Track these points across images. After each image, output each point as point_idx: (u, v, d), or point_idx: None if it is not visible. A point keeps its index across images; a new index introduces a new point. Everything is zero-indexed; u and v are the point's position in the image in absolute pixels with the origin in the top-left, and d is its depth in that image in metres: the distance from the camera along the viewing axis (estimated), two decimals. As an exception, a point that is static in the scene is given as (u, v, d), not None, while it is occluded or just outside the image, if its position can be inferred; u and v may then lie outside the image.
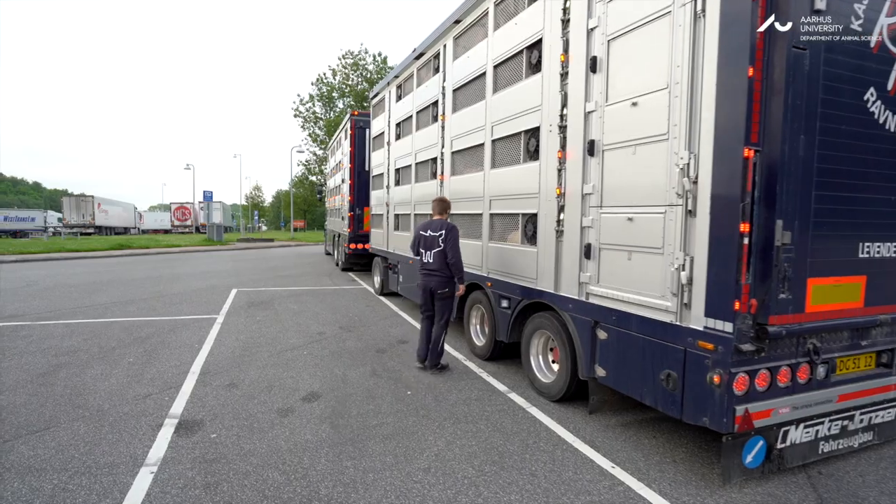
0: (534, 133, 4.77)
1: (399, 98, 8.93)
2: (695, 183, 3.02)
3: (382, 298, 10.06)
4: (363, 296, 10.45)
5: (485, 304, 5.78)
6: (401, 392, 4.77)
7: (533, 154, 4.80)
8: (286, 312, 8.50)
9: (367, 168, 12.71)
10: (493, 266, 5.55)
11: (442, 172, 6.92)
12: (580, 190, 4.07)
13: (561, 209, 4.33)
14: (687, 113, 3.06)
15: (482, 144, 5.76)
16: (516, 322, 5.14)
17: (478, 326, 6.22)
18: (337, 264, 16.03)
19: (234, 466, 3.31)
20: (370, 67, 40.76)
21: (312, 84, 43.94)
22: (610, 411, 4.31)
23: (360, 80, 40.72)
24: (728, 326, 2.84)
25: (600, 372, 3.91)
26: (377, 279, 10.61)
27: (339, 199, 15.75)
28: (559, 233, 4.37)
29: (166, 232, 59.34)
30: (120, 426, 3.90)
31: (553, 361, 4.79)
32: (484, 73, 5.68)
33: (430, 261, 5.29)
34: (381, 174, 10.05)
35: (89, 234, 46.97)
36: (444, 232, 5.22)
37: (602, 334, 3.87)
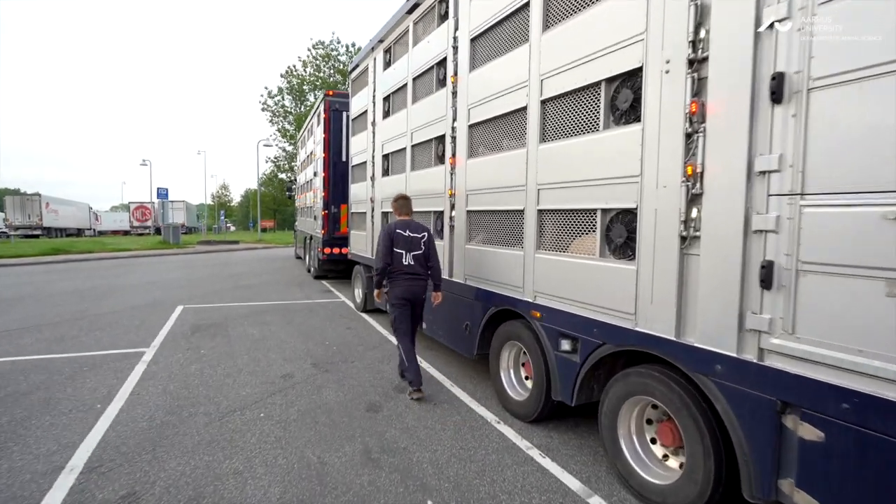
0: (629, 80, 2.98)
1: (388, 65, 7.03)
2: None
3: (366, 317, 8.14)
4: (342, 312, 8.50)
5: (527, 340, 3.97)
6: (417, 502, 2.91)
7: (626, 115, 3.01)
8: (242, 341, 6.50)
9: (344, 158, 10.76)
10: (544, 286, 3.73)
11: (453, 154, 5.07)
12: (746, 166, 2.29)
13: (694, 200, 2.55)
14: None
15: (522, 109, 3.95)
16: (591, 378, 3.35)
17: (512, 372, 4.39)
18: (309, 270, 13.99)
19: None
20: (343, 59, 38.56)
21: (282, 76, 41.37)
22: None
23: (332, 72, 38.48)
24: None
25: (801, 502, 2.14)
26: (359, 292, 8.68)
27: (310, 196, 13.71)
28: (688, 240, 2.59)
29: (126, 233, 55.88)
30: None
31: (669, 455, 3.00)
32: (527, 4, 3.86)
33: (412, 263, 4.68)
34: (364, 163, 8.13)
35: (36, 236, 43.50)
36: (426, 234, 4.78)
37: (808, 431, 2.10)
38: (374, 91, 7.54)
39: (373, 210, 7.64)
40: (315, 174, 12.30)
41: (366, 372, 5.30)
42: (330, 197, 11.02)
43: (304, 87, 39.02)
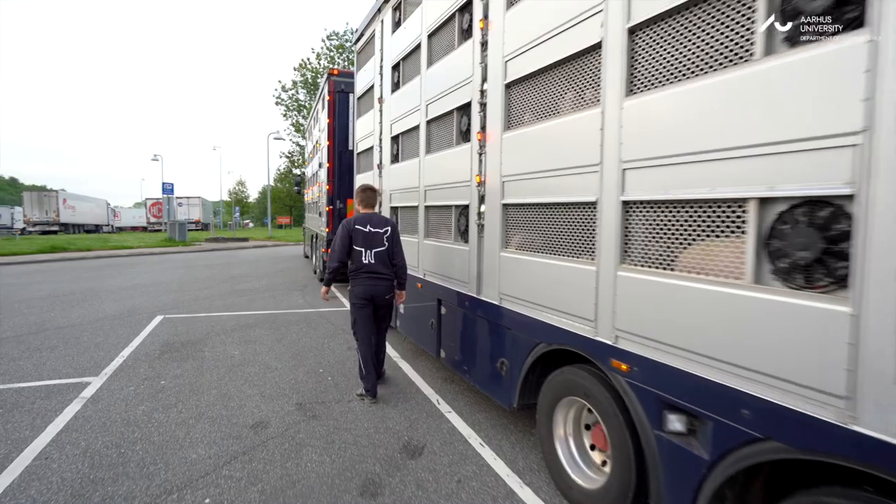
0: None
1: (397, 25, 5.68)
2: None
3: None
4: (345, 326, 7.18)
5: (601, 402, 2.59)
6: None
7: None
8: (216, 367, 5.24)
9: (351, 147, 9.47)
10: (635, 323, 2.34)
11: (482, 128, 3.71)
12: None
13: None
14: None
15: (594, 48, 2.57)
16: (731, 486, 1.97)
17: (572, 442, 3.01)
18: (315, 272, 12.76)
19: None
20: (357, 49, 37.37)
21: (295, 70, 40.40)
22: None
23: (346, 63, 37.34)
24: None
25: None
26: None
27: (315, 190, 12.48)
28: None
29: (143, 229, 55.77)
30: None
31: None
32: None
33: (372, 261, 4.35)
34: (370, 149, 6.81)
35: (54, 231, 43.46)
36: (389, 229, 4.45)
37: None
38: (382, 61, 6.20)
39: (379, 205, 6.32)
40: (320, 165, 11.04)
41: (365, 419, 3.98)
42: (335, 191, 9.75)
43: (318, 80, 37.99)
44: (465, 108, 4.05)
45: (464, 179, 4.00)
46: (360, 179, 7.51)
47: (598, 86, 2.55)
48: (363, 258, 4.31)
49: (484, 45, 3.68)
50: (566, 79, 2.84)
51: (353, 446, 3.51)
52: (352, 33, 38.17)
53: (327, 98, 9.60)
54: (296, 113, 39.43)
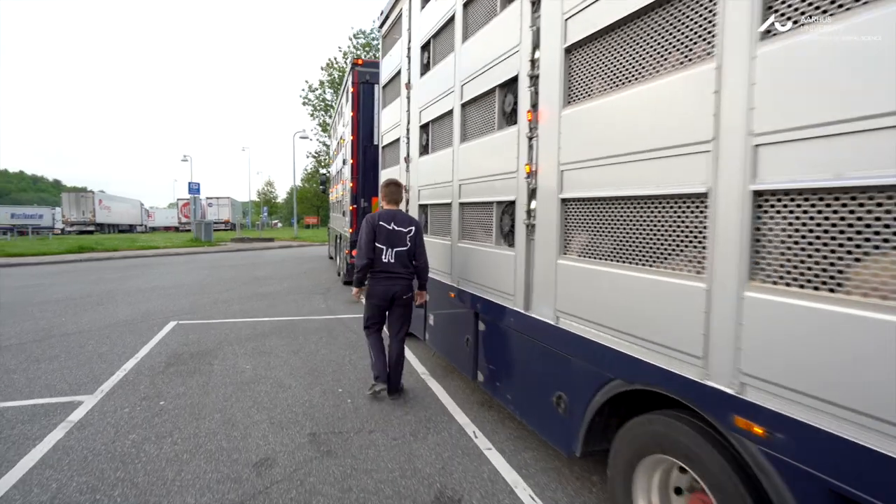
0: None
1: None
2: None
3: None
4: (368, 335, 6.59)
5: (714, 476, 1.84)
6: None
7: None
8: (224, 384, 4.68)
9: (376, 141, 8.89)
10: (775, 368, 1.58)
11: (533, 105, 3.01)
12: None
13: None
14: None
15: (706, -21, 1.85)
16: None
17: (662, 512, 2.29)
18: (338, 274, 12.24)
19: None
20: (384, 48, 37.00)
21: (322, 69, 40.28)
22: None
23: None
24: None
25: None
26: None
27: (339, 189, 11.96)
28: None
29: (175, 229, 56.94)
30: None
31: None
32: None
33: (392, 261, 4.15)
34: (396, 141, 6.18)
35: (90, 231, 44.68)
36: (413, 229, 4.24)
37: None
38: (409, 42, 5.55)
39: (406, 202, 5.68)
40: (344, 162, 10.50)
41: (389, 457, 3.33)
42: (359, 189, 9.17)
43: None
44: (509, 85, 3.36)
45: (508, 170, 3.30)
46: (385, 175, 6.89)
47: (712, 33, 1.82)
48: (383, 256, 4.15)
49: (536, 3, 2.98)
50: (660, 28, 2.12)
51: (375, 496, 2.86)
52: (378, 31, 37.84)
53: (351, 90, 9.03)
54: (322, 113, 39.32)
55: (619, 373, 2.31)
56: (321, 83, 39.52)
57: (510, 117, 3.36)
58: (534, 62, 3.01)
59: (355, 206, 9.24)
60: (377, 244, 4.14)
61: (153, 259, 17.15)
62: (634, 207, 2.24)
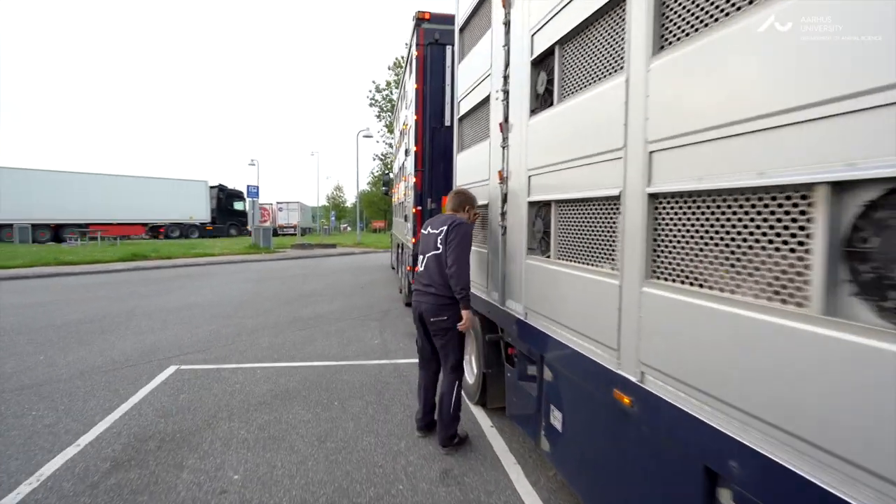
0: None
1: None
2: None
3: (483, 420, 3.90)
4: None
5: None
6: None
7: None
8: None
9: (448, 122, 6.68)
10: None
11: None
12: None
13: None
14: None
15: None
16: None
17: None
18: (400, 291, 10.12)
19: None
20: (454, 42, 35.15)
21: (389, 69, 39.06)
22: None
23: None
24: None
25: None
26: (473, 366, 4.44)
27: (402, 188, 9.85)
28: None
29: (250, 233, 58.03)
30: None
31: None
32: None
33: (421, 270, 3.46)
34: (485, 101, 3.87)
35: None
36: (445, 228, 3.33)
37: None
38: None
39: (504, 198, 3.34)
40: (406, 153, 8.34)
41: None
42: (424, 185, 6.95)
43: (412, 78, 36.33)
44: None
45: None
46: (461, 161, 4.60)
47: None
48: (419, 265, 3.51)
49: None
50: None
51: None
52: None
53: (415, 53, 6.82)
54: (389, 114, 38.11)
55: None
56: (388, 83, 38.40)
57: None
58: None
59: (419, 207, 7.03)
60: (418, 254, 3.57)
61: (202, 269, 15.90)
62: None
